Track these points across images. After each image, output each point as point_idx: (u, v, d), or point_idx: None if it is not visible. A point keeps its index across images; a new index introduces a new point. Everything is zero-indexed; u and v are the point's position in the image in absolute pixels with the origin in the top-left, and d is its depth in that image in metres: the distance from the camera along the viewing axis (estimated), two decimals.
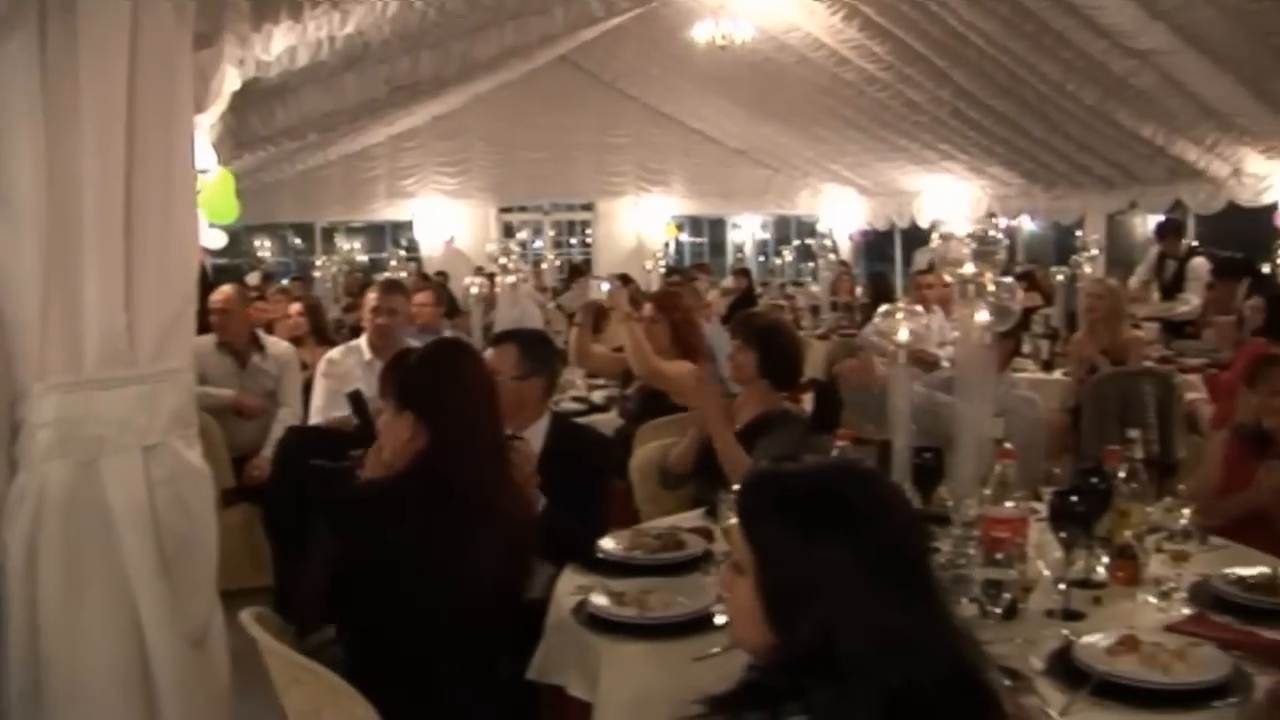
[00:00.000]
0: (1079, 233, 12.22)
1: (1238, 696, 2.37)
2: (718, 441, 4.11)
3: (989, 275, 2.85)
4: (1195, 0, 9.91)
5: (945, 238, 2.88)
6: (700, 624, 2.84)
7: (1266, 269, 10.29)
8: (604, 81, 18.39)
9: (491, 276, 8.68)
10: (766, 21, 13.08)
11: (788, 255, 15.38)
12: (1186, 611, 2.88)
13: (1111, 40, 10.95)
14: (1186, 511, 3.05)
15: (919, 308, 3.86)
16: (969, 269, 2.78)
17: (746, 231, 22.12)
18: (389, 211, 18.61)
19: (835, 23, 12.64)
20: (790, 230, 20.91)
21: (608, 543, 3.43)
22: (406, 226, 18.82)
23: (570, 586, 3.17)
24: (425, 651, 2.92)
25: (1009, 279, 2.99)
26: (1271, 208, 12.75)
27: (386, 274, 10.53)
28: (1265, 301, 7.80)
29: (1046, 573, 2.90)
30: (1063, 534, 2.89)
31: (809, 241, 14.79)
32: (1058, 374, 7.49)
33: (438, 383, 3.11)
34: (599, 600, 2.97)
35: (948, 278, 2.92)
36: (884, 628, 1.68)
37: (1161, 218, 13.22)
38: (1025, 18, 11.07)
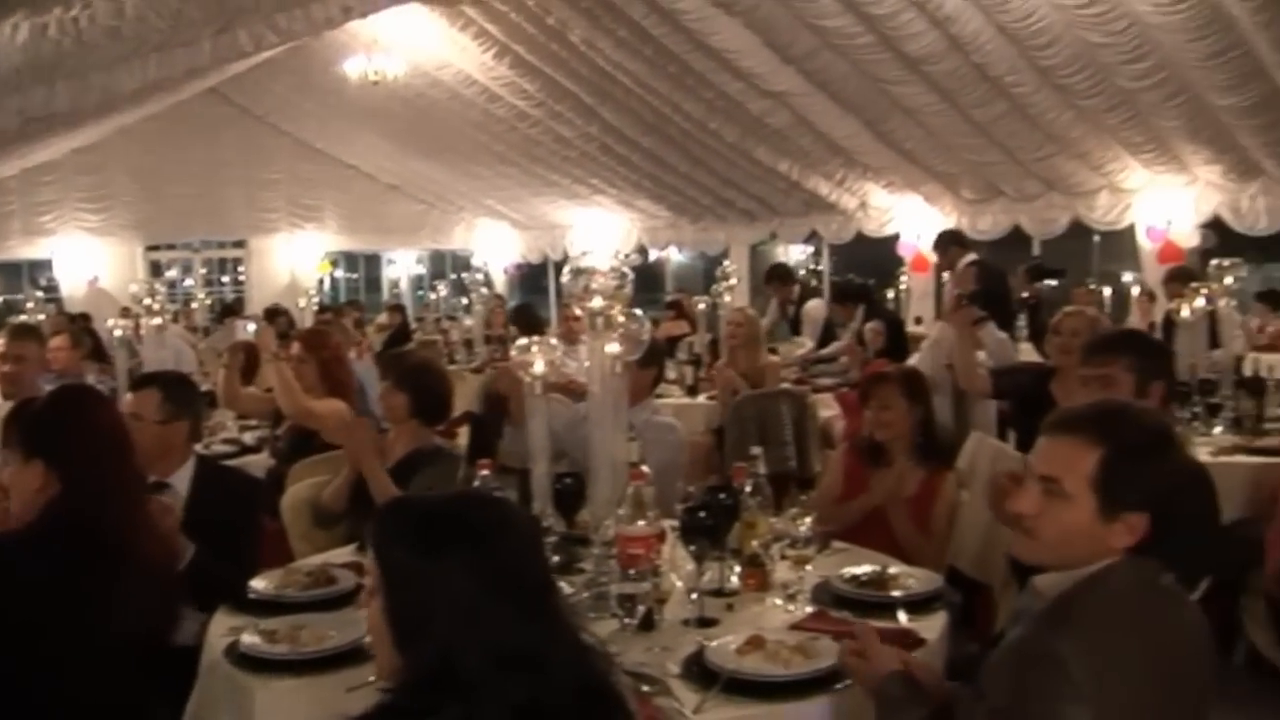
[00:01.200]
0: (727, 262, 12.83)
1: (849, 680, 2.61)
2: (370, 478, 4.15)
3: (619, 308, 3.02)
4: (821, 48, 10.60)
5: (575, 272, 3.04)
6: (353, 655, 2.85)
7: (892, 294, 11.06)
8: (255, 116, 18.00)
9: (137, 318, 8.39)
10: (419, 57, 13.17)
11: (443, 290, 15.44)
12: (809, 610, 3.14)
13: (748, 82, 11.61)
14: (808, 520, 3.29)
15: (555, 340, 4.00)
16: (598, 303, 2.95)
17: (402, 267, 22.08)
18: (25, 250, 17.65)
19: (487, 60, 12.88)
20: (446, 265, 21.05)
21: (259, 582, 3.41)
22: (45, 265, 17.93)
23: (222, 629, 3.14)
24: (71, 703, 2.84)
25: (638, 311, 3.17)
26: (895, 237, 13.78)
27: (21, 317, 9.99)
28: (885, 325, 8.45)
29: (680, 584, 3.09)
30: (692, 547, 3.09)
31: (464, 276, 14.87)
32: (702, 398, 7.82)
33: (65, 428, 3.04)
34: (250, 639, 2.95)
35: (578, 311, 3.08)
36: (504, 646, 1.78)
37: (800, 246, 14.06)
38: (669, 59, 11.57)
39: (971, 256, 9.83)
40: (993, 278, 9.27)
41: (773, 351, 8.44)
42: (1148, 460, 2.25)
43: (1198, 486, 3.56)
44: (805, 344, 10.37)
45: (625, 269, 3.14)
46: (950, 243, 10.36)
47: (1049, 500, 2.25)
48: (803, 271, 17.55)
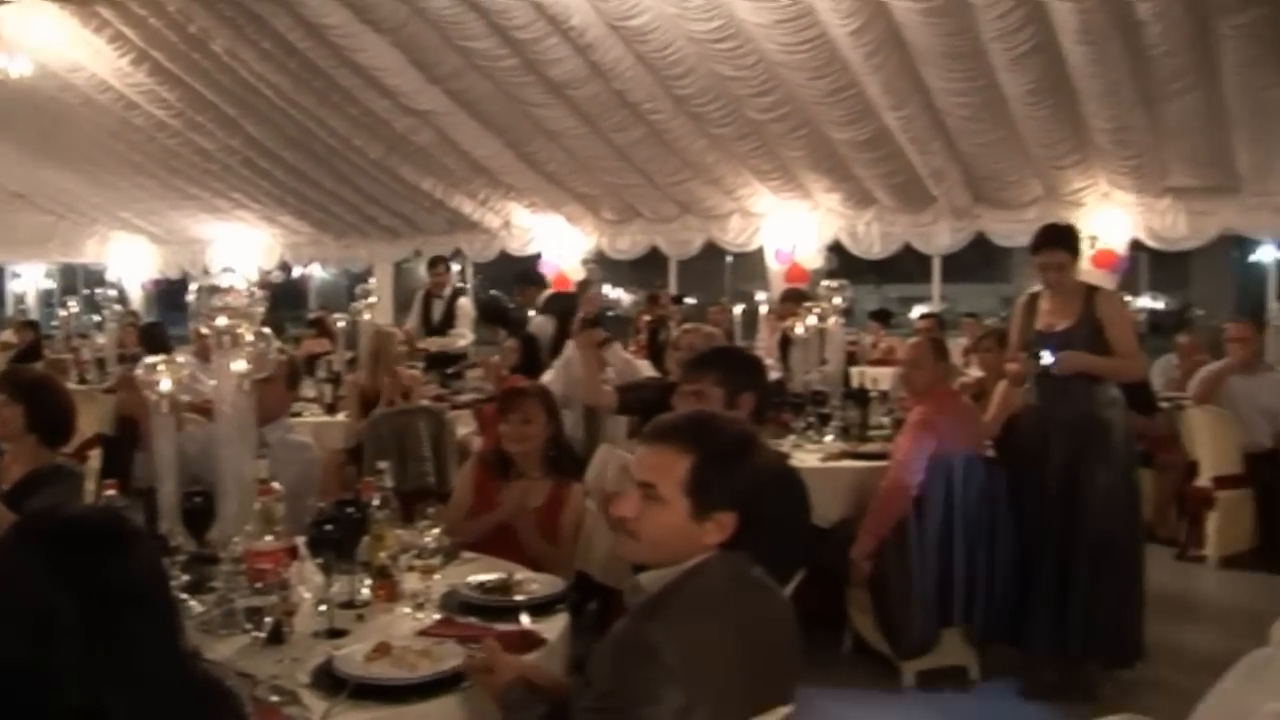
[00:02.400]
0: (372, 280, 12.78)
1: (470, 681, 2.75)
2: None
3: (246, 327, 3.07)
4: (467, 69, 10.74)
5: (203, 290, 3.06)
6: None
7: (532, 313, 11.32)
8: None
9: None
10: (48, 58, 12.41)
11: (74, 306, 14.62)
12: (437, 617, 3.27)
13: (394, 100, 11.61)
14: (435, 531, 3.41)
15: (186, 359, 3.94)
16: (223, 321, 2.98)
17: (29, 281, 20.73)
18: None
19: (124, 66, 12.32)
20: (78, 279, 19.95)
21: None
22: None
23: None
24: None
25: (267, 329, 3.22)
26: (537, 256, 14.07)
27: None
28: (519, 342, 8.66)
29: (308, 596, 3.16)
30: (319, 560, 3.17)
31: (97, 292, 14.14)
32: (341, 416, 7.80)
33: None
34: None
35: (204, 329, 3.10)
36: (104, 660, 1.84)
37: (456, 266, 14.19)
38: (314, 74, 11.43)
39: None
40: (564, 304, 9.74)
41: (411, 367, 8.50)
42: (733, 464, 2.47)
43: (785, 487, 3.89)
44: (466, 334, 10.57)
45: (255, 288, 3.17)
46: (527, 283, 11.03)
47: (647, 504, 2.46)
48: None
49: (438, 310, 11.43)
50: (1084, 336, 5.38)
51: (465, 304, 11.27)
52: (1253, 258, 13.89)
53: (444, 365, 10.26)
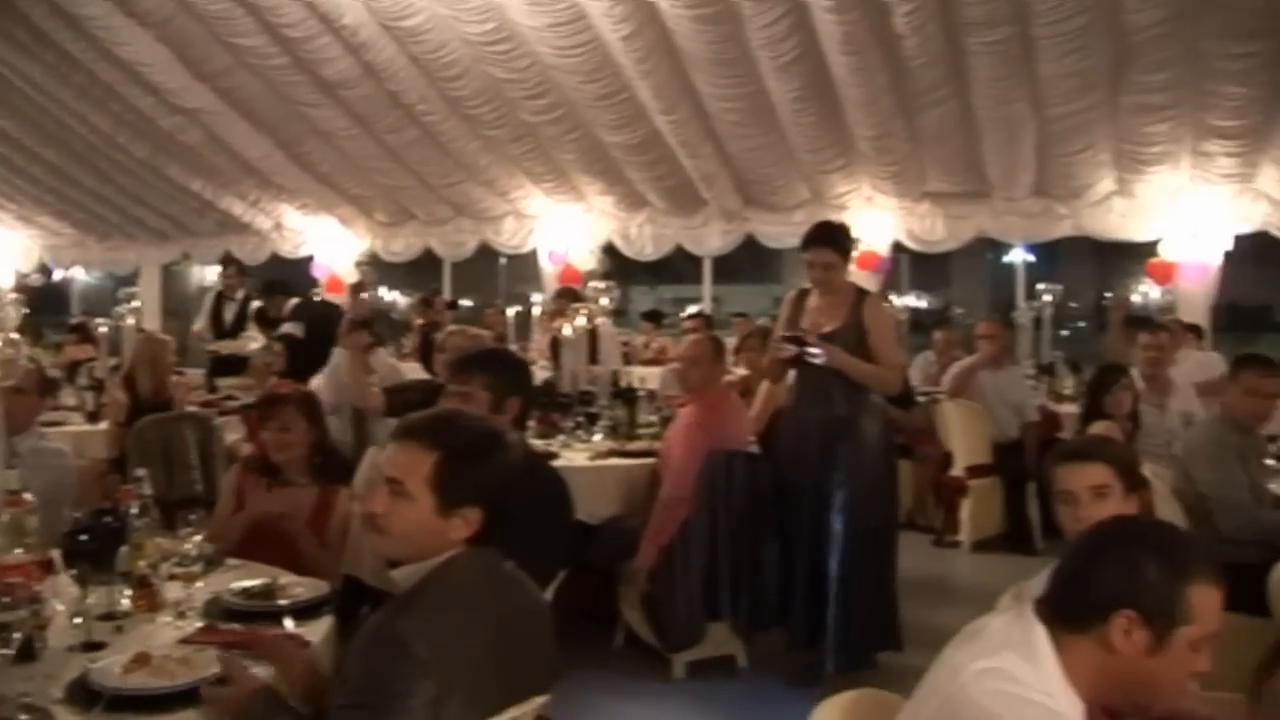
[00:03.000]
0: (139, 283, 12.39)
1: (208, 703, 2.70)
2: None
3: None
4: (236, 67, 10.52)
5: None
6: None
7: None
8: None
9: None
10: None
11: None
12: (199, 624, 3.23)
13: (159, 97, 11.29)
14: (197, 538, 3.37)
15: None
16: None
17: None
18: None
19: None
20: None
21: None
22: None
23: None
24: None
25: (16, 336, 3.14)
26: (309, 259, 13.86)
27: None
28: (285, 346, 8.53)
29: (61, 608, 3.08)
30: (74, 571, 3.10)
31: None
32: (104, 425, 7.47)
33: None
34: None
35: None
36: None
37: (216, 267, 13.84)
38: (74, 68, 11.04)
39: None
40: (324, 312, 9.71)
41: (179, 374, 8.27)
42: (478, 460, 2.56)
43: (541, 484, 3.96)
44: (258, 337, 10.34)
45: (8, 293, 3.09)
46: (274, 292, 10.96)
47: (395, 500, 2.52)
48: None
49: (230, 312, 11.18)
50: (850, 340, 5.38)
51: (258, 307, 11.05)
52: (1007, 259, 14.61)
53: (235, 369, 10.01)
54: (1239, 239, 10.84)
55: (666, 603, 5.44)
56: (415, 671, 2.30)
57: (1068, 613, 2.09)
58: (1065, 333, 21.94)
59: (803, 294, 5.67)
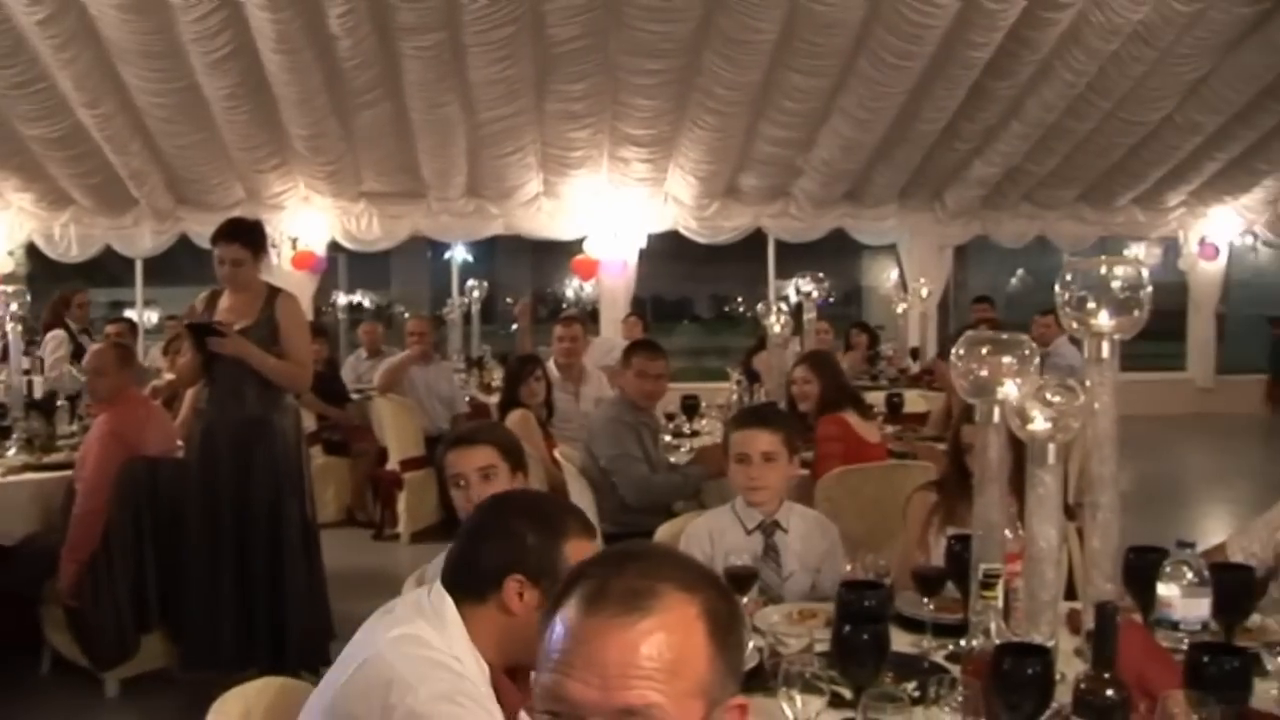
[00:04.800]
0: None
1: None
2: None
3: None
4: None
5: None
6: None
7: None
8: None
9: None
10: None
11: None
12: None
13: None
14: None
15: None
16: None
17: None
18: None
19: None
20: None
21: None
22: None
23: None
24: None
25: None
26: None
27: None
28: None
29: None
30: None
31: None
32: None
33: None
34: None
35: None
36: None
37: None
38: None
39: None
40: None
41: None
42: None
43: None
44: None
45: None
46: None
47: None
48: None
49: None
50: (263, 337, 5.29)
51: None
52: (447, 255, 15.03)
53: None
54: (654, 237, 11.79)
55: (94, 620, 5.22)
56: None
57: (467, 586, 2.27)
58: (500, 328, 22.95)
59: (215, 295, 5.53)
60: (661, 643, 1.36)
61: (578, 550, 2.27)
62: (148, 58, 9.29)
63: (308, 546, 5.52)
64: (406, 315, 20.06)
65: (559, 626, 1.41)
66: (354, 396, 8.89)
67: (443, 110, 9.87)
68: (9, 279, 10.59)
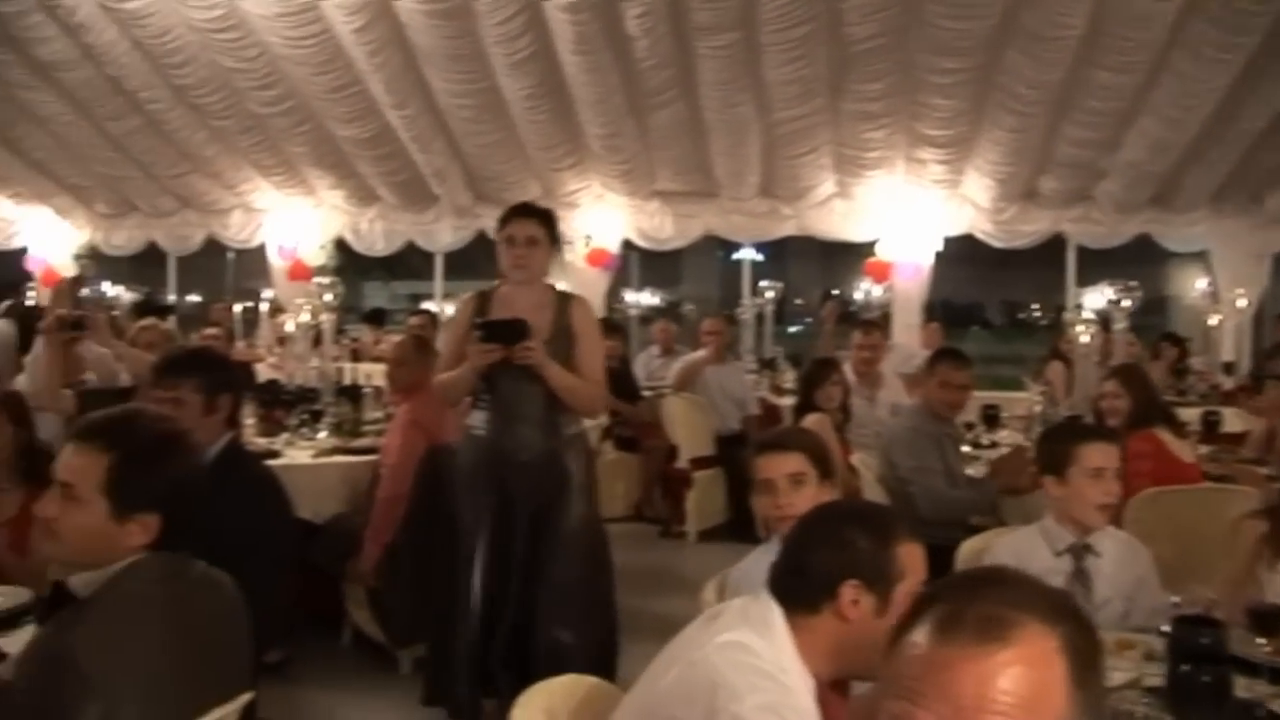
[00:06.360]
0: None
1: None
2: None
3: None
4: None
5: None
6: None
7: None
8: None
9: None
10: None
11: None
12: None
13: None
14: None
15: None
16: None
17: None
18: None
19: None
20: None
21: None
22: None
23: None
24: None
25: None
26: (23, 251, 13.22)
27: None
28: None
29: None
30: None
31: None
32: None
33: None
34: None
35: None
36: None
37: None
38: None
39: None
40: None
41: None
42: (153, 465, 2.45)
43: (252, 484, 3.86)
44: None
45: None
46: None
47: (67, 505, 2.40)
48: None
49: None
50: (558, 351, 4.49)
51: None
52: (736, 256, 15.06)
53: None
54: (948, 240, 11.49)
55: (391, 600, 5.44)
56: (79, 689, 2.18)
57: (799, 595, 2.24)
58: (796, 328, 22.85)
59: (483, 297, 4.73)
60: (1019, 677, 1.30)
61: (909, 553, 2.26)
62: (452, 60, 9.63)
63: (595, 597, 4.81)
64: (690, 313, 20.35)
65: (909, 651, 1.36)
66: (645, 393, 8.99)
67: (737, 110, 9.88)
68: (321, 271, 11.21)
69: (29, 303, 10.40)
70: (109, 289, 13.36)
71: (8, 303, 9.65)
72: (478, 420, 4.60)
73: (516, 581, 4.53)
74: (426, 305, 12.72)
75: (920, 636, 1.35)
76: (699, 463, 8.40)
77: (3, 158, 12.06)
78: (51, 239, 13.33)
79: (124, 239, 13.38)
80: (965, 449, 6.21)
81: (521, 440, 4.51)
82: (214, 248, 13.63)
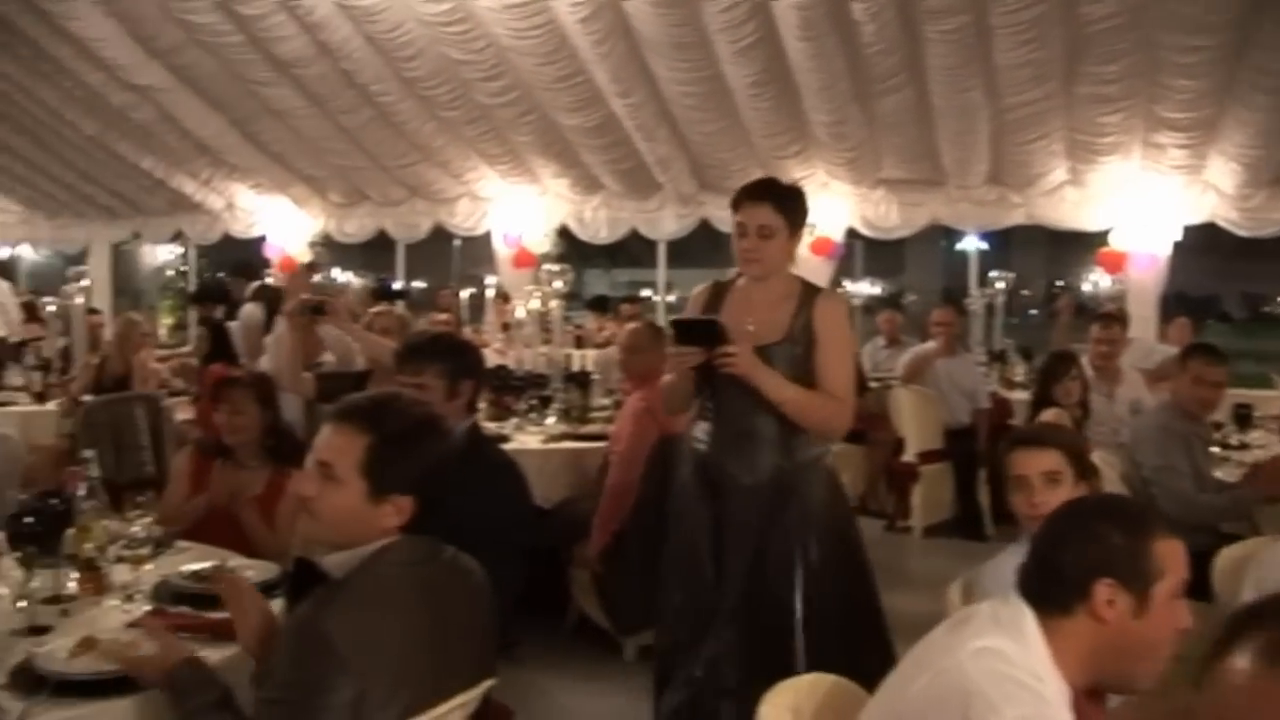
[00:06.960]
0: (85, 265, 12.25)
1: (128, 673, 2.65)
2: None
3: None
4: (189, 43, 10.41)
5: None
6: None
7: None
8: None
9: None
10: None
11: None
12: (147, 608, 3.18)
13: (110, 73, 11.14)
14: (145, 520, 3.33)
15: None
16: None
17: None
18: None
19: None
20: None
21: None
22: None
23: None
24: None
25: None
26: (262, 239, 13.75)
27: None
28: (208, 330, 8.45)
29: (4, 592, 3.04)
30: (20, 554, 3.06)
31: None
32: (52, 405, 7.44)
33: None
34: None
35: None
36: None
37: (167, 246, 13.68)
38: (22, 42, 10.89)
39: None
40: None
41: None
42: (410, 448, 2.50)
43: (492, 469, 3.87)
44: None
45: None
46: (238, 274, 10.88)
47: (325, 484, 2.46)
48: (170, 272, 17.02)
49: None
50: (793, 356, 3.85)
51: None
52: (960, 246, 14.71)
53: None
54: (1188, 230, 10.94)
55: (617, 586, 5.44)
56: (336, 669, 2.25)
57: (1049, 597, 2.12)
58: (1016, 320, 22.26)
59: (718, 288, 4.13)
60: None
61: (1168, 549, 2.12)
62: (676, 49, 9.59)
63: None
64: (912, 304, 20.01)
65: (1231, 680, 1.24)
66: (872, 384, 8.83)
67: (966, 95, 9.58)
68: (545, 259, 11.36)
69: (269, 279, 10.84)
70: (339, 275, 13.82)
71: (256, 284, 10.06)
72: (700, 432, 4.00)
73: (722, 622, 3.88)
74: (646, 292, 12.77)
75: (1243, 664, 1.22)
76: (927, 456, 8.21)
77: (245, 150, 12.57)
78: (288, 227, 13.82)
79: (355, 227, 13.79)
80: (1214, 450, 5.89)
81: (746, 460, 3.87)
82: (440, 235, 13.88)
